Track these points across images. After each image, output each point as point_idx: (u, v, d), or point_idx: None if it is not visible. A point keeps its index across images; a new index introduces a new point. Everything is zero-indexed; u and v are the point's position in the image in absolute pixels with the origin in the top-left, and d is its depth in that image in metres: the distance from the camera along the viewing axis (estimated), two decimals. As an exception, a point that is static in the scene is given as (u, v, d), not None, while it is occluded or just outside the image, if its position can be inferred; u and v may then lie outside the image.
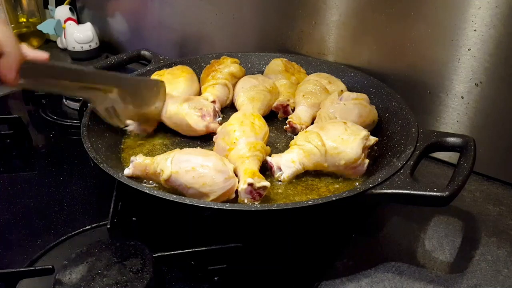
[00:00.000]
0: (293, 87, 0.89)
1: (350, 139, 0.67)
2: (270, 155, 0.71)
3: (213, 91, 0.87)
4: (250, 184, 0.62)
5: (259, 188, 0.62)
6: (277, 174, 0.69)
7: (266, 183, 0.62)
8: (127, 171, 0.66)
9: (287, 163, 0.68)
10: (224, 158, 0.66)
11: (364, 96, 0.79)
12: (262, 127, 0.73)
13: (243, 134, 0.70)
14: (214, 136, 0.75)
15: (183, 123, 0.79)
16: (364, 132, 0.69)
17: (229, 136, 0.70)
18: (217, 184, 0.61)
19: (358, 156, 0.67)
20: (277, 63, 0.93)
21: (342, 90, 0.84)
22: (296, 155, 0.68)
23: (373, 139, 0.70)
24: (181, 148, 0.69)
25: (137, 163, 0.66)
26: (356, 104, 0.76)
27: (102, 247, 0.53)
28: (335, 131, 0.69)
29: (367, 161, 0.69)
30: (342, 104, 0.77)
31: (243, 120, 0.72)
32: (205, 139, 0.80)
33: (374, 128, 0.79)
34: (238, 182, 0.64)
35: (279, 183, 0.69)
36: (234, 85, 0.91)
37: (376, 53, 0.86)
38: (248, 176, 0.63)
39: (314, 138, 0.68)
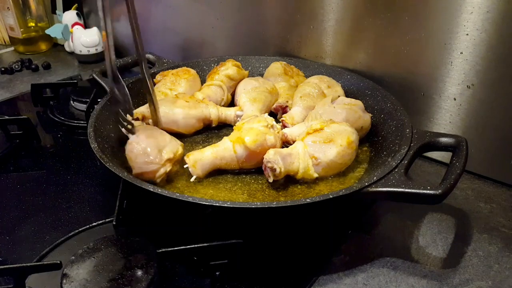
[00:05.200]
0: (292, 89, 0.90)
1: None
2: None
3: (206, 91, 0.89)
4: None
5: None
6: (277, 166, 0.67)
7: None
8: None
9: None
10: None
11: (358, 103, 0.79)
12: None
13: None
14: None
15: None
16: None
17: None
18: (137, 163, 0.68)
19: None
20: (276, 66, 0.95)
21: (339, 96, 0.84)
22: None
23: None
24: (183, 147, 0.72)
25: None
26: (345, 108, 0.76)
27: (108, 243, 0.55)
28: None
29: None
30: (332, 107, 0.77)
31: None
32: (207, 138, 0.83)
33: (370, 128, 0.80)
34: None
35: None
36: (232, 87, 0.93)
37: (372, 56, 0.88)
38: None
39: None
